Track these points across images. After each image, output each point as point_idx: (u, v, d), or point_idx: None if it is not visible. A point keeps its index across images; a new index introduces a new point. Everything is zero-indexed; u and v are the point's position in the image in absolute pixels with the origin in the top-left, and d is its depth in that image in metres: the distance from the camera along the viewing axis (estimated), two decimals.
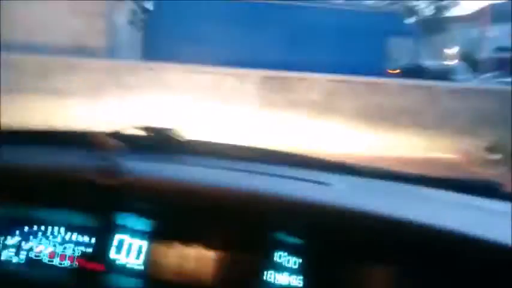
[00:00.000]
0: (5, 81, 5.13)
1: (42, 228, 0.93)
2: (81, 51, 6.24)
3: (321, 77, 5.27)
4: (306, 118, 5.02)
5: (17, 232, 0.93)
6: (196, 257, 0.90)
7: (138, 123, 0.87)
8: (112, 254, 0.89)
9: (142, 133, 0.86)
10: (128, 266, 0.90)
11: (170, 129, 0.97)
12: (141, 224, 0.93)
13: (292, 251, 0.92)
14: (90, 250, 0.90)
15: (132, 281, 0.90)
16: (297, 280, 0.89)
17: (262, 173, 0.96)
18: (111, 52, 7.06)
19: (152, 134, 0.85)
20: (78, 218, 0.93)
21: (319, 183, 0.95)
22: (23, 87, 5.14)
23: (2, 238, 0.92)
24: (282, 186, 0.88)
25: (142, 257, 0.90)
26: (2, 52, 5.25)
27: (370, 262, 0.88)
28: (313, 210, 0.83)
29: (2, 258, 0.91)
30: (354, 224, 0.83)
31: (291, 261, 0.91)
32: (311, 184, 0.94)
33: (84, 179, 0.83)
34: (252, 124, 4.91)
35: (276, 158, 1.06)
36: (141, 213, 0.90)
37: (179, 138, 0.99)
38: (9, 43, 5.58)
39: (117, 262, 0.90)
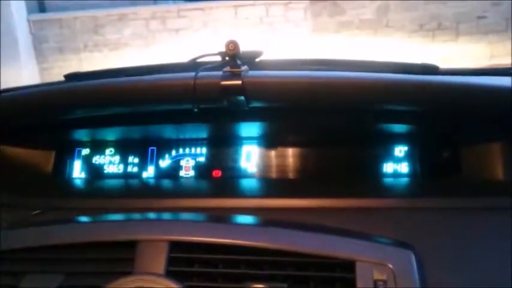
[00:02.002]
0: (57, 40, 5.25)
1: (165, 144, 1.00)
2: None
3: None
4: (361, 39, 4.90)
5: (145, 149, 1.01)
6: (307, 154, 0.95)
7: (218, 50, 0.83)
8: (228, 161, 0.97)
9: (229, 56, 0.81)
10: (241, 169, 0.97)
11: (255, 51, 0.94)
12: (254, 130, 0.97)
13: (398, 139, 0.93)
14: (208, 159, 0.99)
15: (246, 183, 0.96)
16: (404, 167, 0.93)
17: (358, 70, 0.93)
18: None
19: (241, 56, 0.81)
20: (195, 131, 0.99)
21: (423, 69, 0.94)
22: (75, 45, 5.25)
23: (133, 156, 1.02)
24: (382, 76, 0.85)
25: (254, 160, 0.97)
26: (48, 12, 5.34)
27: (472, 140, 0.88)
28: (421, 89, 0.80)
29: (134, 171, 1.01)
30: (459, 98, 0.80)
31: (396, 150, 0.93)
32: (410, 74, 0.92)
33: (208, 83, 0.82)
34: (306, 50, 4.85)
35: (351, 65, 1.02)
36: (256, 118, 0.91)
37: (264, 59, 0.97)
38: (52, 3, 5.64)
39: (232, 167, 0.97)
